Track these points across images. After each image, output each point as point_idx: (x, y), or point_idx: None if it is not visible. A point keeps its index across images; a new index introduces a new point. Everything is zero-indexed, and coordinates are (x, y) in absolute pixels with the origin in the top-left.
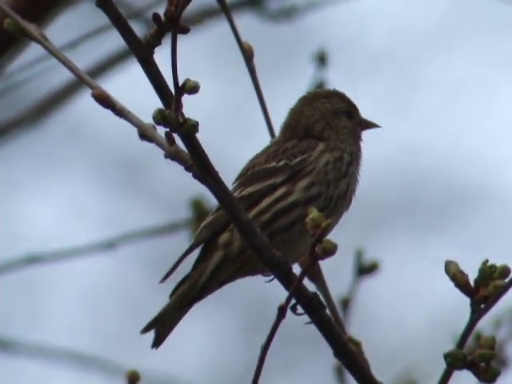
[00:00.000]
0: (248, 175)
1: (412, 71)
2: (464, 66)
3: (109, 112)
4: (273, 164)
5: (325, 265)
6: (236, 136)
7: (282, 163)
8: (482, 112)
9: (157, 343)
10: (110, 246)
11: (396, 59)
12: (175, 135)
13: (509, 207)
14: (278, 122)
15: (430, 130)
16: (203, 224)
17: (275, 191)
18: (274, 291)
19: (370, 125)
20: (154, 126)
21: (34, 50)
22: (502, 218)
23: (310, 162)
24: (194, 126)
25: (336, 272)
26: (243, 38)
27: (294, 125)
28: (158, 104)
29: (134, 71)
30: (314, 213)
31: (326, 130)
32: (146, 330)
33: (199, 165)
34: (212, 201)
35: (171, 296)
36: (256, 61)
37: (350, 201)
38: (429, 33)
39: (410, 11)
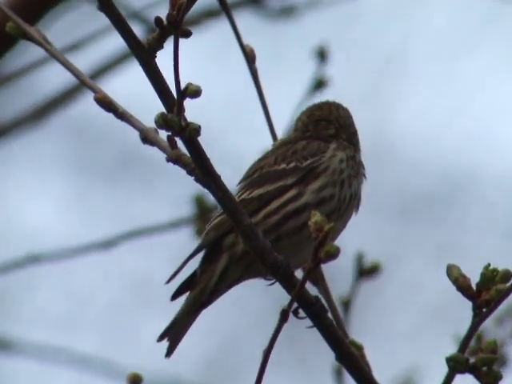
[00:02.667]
0: (257, 176)
1: (405, 61)
2: (454, 53)
3: (110, 114)
4: (283, 166)
5: (327, 267)
6: (238, 138)
7: (292, 165)
8: (473, 97)
9: (170, 352)
10: (111, 244)
11: (393, 58)
12: (177, 139)
13: (502, 192)
14: (279, 124)
15: (422, 117)
16: (211, 225)
17: (285, 193)
18: (276, 293)
19: None
20: (156, 130)
21: (34, 51)
22: (494, 203)
23: (323, 161)
24: (196, 130)
25: (338, 273)
26: (244, 38)
27: (315, 115)
28: (160, 107)
29: (135, 74)
30: (316, 216)
31: (345, 129)
32: (161, 338)
33: (201, 168)
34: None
35: (172, 298)
36: (256, 60)
37: (359, 203)
38: (427, 29)
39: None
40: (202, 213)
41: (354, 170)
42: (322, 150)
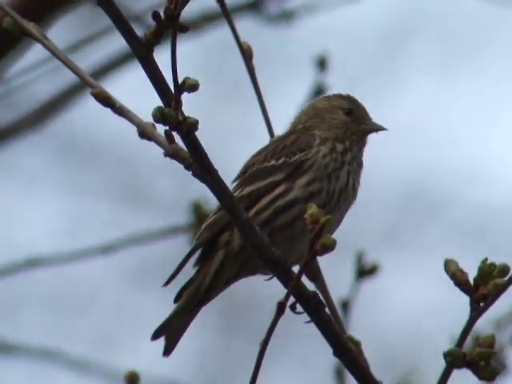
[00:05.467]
0: (248, 174)
1: (405, 76)
2: (453, 74)
3: (108, 115)
4: (272, 162)
5: (325, 266)
6: (235, 135)
7: (281, 161)
8: (461, 116)
9: (167, 351)
10: (108, 249)
11: (392, 63)
12: (175, 134)
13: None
14: (277, 122)
15: (417, 139)
16: (204, 225)
17: (275, 189)
18: (273, 289)
19: (374, 128)
20: (153, 125)
21: (33, 54)
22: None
23: (309, 157)
24: (193, 125)
25: (336, 272)
26: (242, 41)
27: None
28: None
29: (133, 74)
30: (312, 208)
31: (316, 124)
32: (154, 336)
33: (199, 163)
34: (211, 203)
35: (176, 300)
36: (255, 63)
37: (355, 192)
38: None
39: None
40: (199, 219)
41: (338, 162)
42: (310, 145)
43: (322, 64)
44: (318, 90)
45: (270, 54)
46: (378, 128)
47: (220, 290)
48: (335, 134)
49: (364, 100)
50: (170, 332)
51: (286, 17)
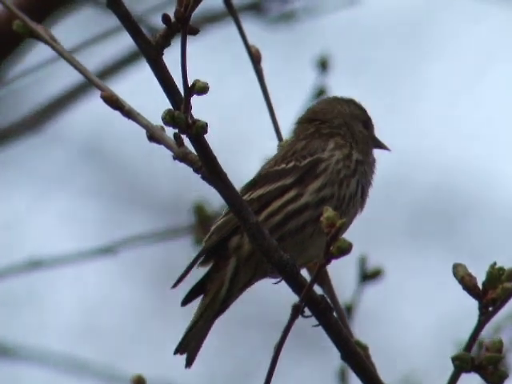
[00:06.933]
0: (257, 178)
1: (411, 79)
2: (462, 74)
3: (109, 116)
4: (282, 166)
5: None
6: (243, 138)
7: (291, 165)
8: (480, 121)
9: (189, 362)
10: (110, 250)
11: (395, 64)
12: (184, 137)
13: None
14: (284, 125)
15: (429, 141)
16: (213, 227)
17: (285, 193)
18: (280, 293)
19: (380, 145)
20: (162, 128)
21: (34, 56)
22: (501, 228)
23: (321, 159)
24: (203, 127)
25: (341, 277)
26: (250, 44)
27: (310, 118)
28: (165, 107)
29: (140, 76)
30: (328, 211)
31: (342, 127)
32: (177, 351)
33: (208, 166)
34: (214, 204)
35: (183, 304)
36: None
37: (364, 202)
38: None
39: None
40: (201, 221)
41: (350, 170)
42: (322, 149)
43: (323, 65)
44: (320, 92)
45: (270, 55)
46: (385, 148)
47: (236, 298)
48: (358, 144)
49: (365, 101)
50: (190, 343)
51: (287, 19)
